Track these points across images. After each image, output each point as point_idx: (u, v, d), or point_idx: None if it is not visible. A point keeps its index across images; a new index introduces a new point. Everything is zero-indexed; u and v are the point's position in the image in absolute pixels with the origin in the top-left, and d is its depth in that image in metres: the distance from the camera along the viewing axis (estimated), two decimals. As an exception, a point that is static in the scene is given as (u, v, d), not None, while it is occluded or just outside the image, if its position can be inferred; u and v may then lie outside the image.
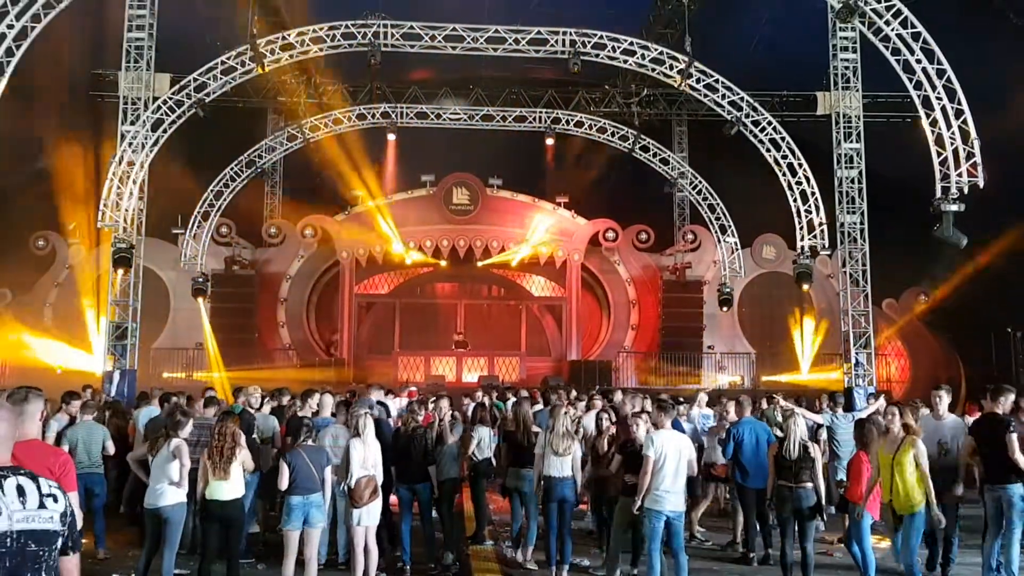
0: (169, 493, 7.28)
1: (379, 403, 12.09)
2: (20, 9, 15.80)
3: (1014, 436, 7.50)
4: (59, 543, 3.11)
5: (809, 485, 7.95)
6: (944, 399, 8.83)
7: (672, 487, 7.45)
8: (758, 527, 9.36)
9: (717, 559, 9.60)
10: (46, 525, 3.07)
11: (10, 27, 15.79)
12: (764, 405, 12.36)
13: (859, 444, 8.49)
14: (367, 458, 7.74)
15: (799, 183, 20.64)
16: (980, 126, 15.64)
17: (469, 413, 12.22)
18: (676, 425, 9.05)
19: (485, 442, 10.26)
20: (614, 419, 9.96)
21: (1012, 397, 8.07)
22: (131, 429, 11.03)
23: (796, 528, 8.09)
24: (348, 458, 7.70)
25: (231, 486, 7.35)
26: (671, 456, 7.48)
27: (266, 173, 27.17)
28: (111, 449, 9.34)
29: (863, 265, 20.95)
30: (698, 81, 20.43)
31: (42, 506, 3.08)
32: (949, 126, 15.69)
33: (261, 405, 10.34)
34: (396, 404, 13.00)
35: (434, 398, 11.11)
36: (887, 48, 16.56)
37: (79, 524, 3.28)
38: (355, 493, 7.60)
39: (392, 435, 9.23)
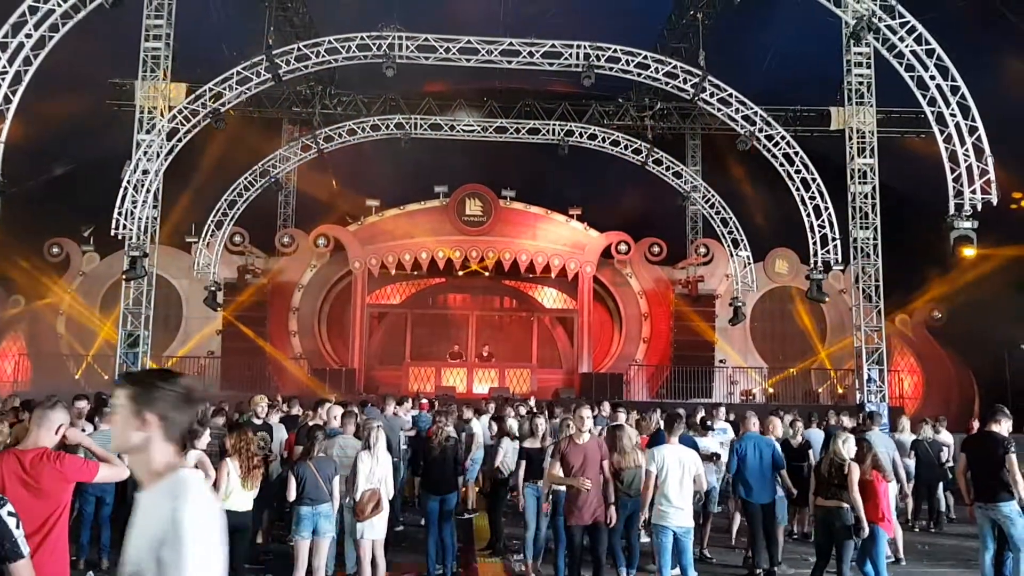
0: None
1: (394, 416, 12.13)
2: (39, 19, 15.95)
3: (1013, 457, 7.61)
4: None
5: (844, 504, 7.87)
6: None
7: (677, 502, 7.41)
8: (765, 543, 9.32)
9: (726, 576, 9.57)
10: None
11: (28, 36, 15.94)
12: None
13: (860, 461, 8.46)
14: (374, 471, 7.73)
15: (812, 198, 20.60)
16: (995, 141, 15.58)
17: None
18: (685, 440, 8.99)
19: (510, 457, 10.10)
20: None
21: (1008, 421, 8.14)
22: None
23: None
24: (355, 471, 7.70)
25: (250, 496, 7.38)
26: (674, 470, 7.44)
27: (280, 182, 27.28)
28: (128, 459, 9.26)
29: (876, 280, 20.90)
30: (712, 95, 20.43)
31: None
32: (963, 143, 15.64)
33: (268, 415, 10.32)
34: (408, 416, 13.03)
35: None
36: (901, 64, 16.53)
37: (19, 530, 3.33)
38: (357, 507, 7.60)
39: (423, 446, 9.22)
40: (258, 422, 9.78)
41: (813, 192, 20.61)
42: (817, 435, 11.73)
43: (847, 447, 8.11)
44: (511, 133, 25.31)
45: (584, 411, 7.95)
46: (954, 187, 15.68)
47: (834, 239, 20.50)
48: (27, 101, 16.22)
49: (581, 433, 7.82)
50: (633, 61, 19.77)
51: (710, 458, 10.21)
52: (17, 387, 23.35)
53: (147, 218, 19.80)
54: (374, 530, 7.72)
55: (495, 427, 12.20)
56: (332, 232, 27.08)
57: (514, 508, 10.50)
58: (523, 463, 9.32)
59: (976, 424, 10.08)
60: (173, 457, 2.50)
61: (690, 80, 20.01)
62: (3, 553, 3.25)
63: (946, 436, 13.41)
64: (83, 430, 9.52)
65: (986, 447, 7.96)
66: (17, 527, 3.30)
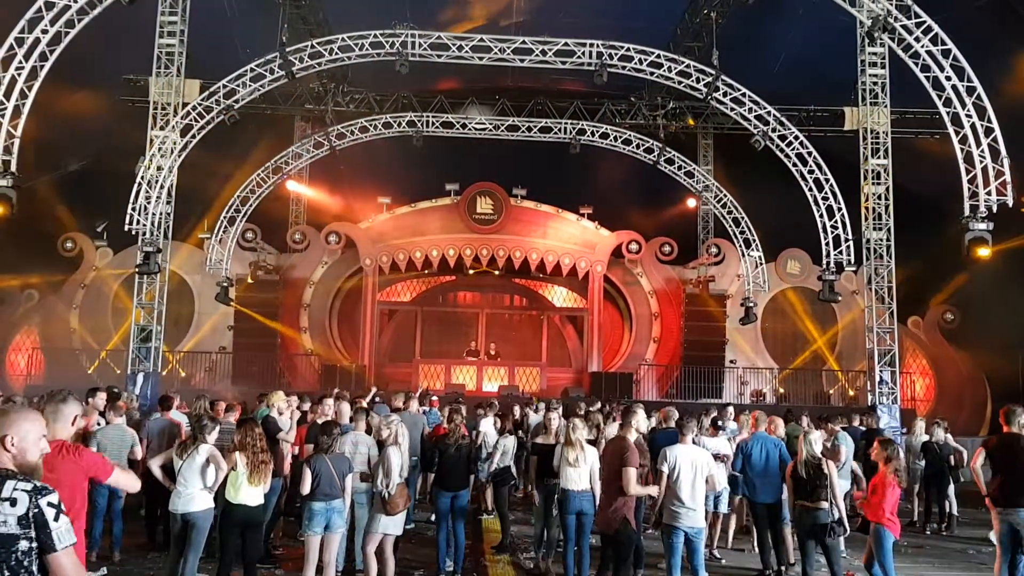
0: (199, 498, 7.29)
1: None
2: (54, 14, 16.01)
3: None
4: (22, 545, 3.08)
5: (825, 504, 7.86)
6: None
7: (689, 503, 7.38)
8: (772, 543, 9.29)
9: (736, 576, 9.54)
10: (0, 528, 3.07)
11: (44, 32, 16.00)
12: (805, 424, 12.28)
13: (884, 461, 8.38)
14: (404, 466, 7.79)
15: (825, 198, 20.52)
16: (1011, 142, 15.47)
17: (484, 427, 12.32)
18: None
19: (509, 452, 10.42)
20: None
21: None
22: None
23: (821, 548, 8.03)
24: (388, 466, 7.64)
25: (261, 492, 7.41)
26: (686, 471, 7.42)
27: (292, 179, 27.31)
28: (139, 453, 9.25)
29: (889, 282, 20.81)
30: (724, 95, 20.36)
31: None
32: (979, 144, 15.54)
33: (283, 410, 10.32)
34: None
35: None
36: (917, 65, 16.42)
37: (59, 522, 3.16)
38: (391, 501, 7.59)
39: (437, 444, 9.28)
40: (274, 418, 9.78)
41: (826, 192, 20.53)
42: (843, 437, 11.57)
43: (818, 446, 8.13)
44: (523, 131, 25.28)
45: (639, 410, 7.95)
46: (969, 188, 15.59)
47: (847, 240, 20.42)
48: (42, 97, 16.29)
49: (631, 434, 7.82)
50: (646, 60, 19.72)
51: (719, 458, 10.19)
52: (31, 381, 23.53)
53: (160, 214, 19.88)
54: (397, 525, 7.76)
55: (498, 423, 12.36)
56: (343, 229, 27.15)
57: (524, 505, 10.57)
58: (534, 459, 9.38)
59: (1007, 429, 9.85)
60: None
61: (703, 79, 19.95)
62: (49, 542, 3.14)
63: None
64: (96, 423, 9.61)
65: (1013, 449, 7.78)
66: (56, 519, 3.17)
